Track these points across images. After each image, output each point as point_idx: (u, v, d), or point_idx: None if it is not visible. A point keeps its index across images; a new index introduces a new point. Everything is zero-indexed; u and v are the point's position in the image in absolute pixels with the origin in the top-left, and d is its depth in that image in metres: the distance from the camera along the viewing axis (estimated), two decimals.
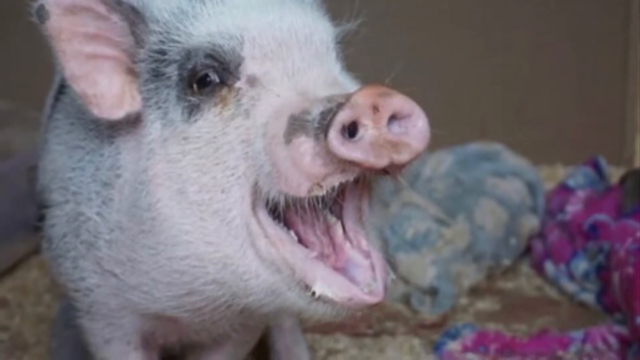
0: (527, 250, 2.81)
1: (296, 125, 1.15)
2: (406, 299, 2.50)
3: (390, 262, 1.25)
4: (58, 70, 1.34)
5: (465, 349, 2.21)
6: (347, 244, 1.25)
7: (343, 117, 1.10)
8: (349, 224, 1.26)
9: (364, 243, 1.25)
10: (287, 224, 1.24)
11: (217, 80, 1.26)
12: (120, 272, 1.39)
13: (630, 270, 2.20)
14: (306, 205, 1.18)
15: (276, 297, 1.24)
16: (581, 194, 2.79)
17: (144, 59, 1.31)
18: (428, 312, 2.45)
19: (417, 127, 1.14)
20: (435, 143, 1.18)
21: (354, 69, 1.33)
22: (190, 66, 1.27)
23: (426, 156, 2.92)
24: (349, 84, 1.26)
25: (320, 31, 1.30)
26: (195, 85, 1.27)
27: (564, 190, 2.86)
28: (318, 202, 1.18)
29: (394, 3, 3.36)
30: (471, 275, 2.60)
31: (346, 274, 1.21)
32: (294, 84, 1.23)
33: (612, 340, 2.17)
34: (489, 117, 3.48)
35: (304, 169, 1.14)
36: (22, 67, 2.92)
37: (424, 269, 2.51)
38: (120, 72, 1.33)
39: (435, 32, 3.44)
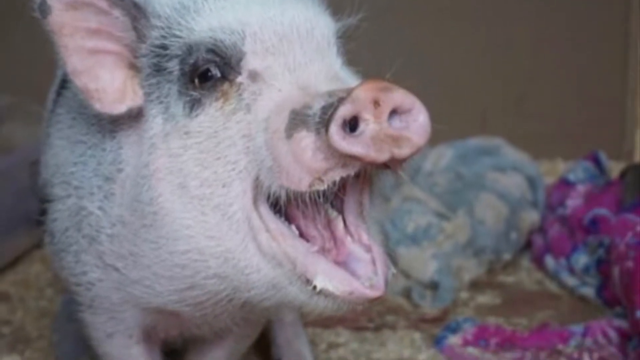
0: (528, 245, 2.82)
1: (297, 120, 1.16)
2: (407, 293, 2.51)
3: (391, 256, 1.26)
4: (60, 65, 1.34)
5: (466, 343, 2.21)
6: (348, 238, 1.25)
7: (344, 111, 1.11)
8: (350, 218, 1.26)
9: (364, 237, 1.25)
10: (289, 219, 1.25)
11: (219, 75, 1.26)
12: (122, 266, 1.39)
13: (630, 264, 2.21)
14: (307, 199, 1.19)
15: (277, 291, 1.24)
16: (581, 188, 2.80)
17: (145, 54, 1.32)
18: (429, 306, 2.45)
19: (417, 122, 1.14)
20: (436, 137, 1.18)
21: (355, 64, 1.33)
22: (191, 61, 1.27)
23: (427, 150, 2.93)
24: (350, 79, 1.27)
25: (322, 26, 1.30)
26: (196, 80, 1.27)
27: (564, 184, 2.86)
28: (319, 197, 1.18)
29: None
30: (472, 269, 2.61)
31: (347, 268, 1.22)
32: (295, 78, 1.23)
33: (612, 334, 2.17)
34: (490, 111, 3.48)
35: (305, 164, 1.15)
36: (23, 62, 2.91)
37: (424, 263, 2.52)
38: (122, 67, 1.33)
39: (436, 26, 3.44)
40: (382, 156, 1.12)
